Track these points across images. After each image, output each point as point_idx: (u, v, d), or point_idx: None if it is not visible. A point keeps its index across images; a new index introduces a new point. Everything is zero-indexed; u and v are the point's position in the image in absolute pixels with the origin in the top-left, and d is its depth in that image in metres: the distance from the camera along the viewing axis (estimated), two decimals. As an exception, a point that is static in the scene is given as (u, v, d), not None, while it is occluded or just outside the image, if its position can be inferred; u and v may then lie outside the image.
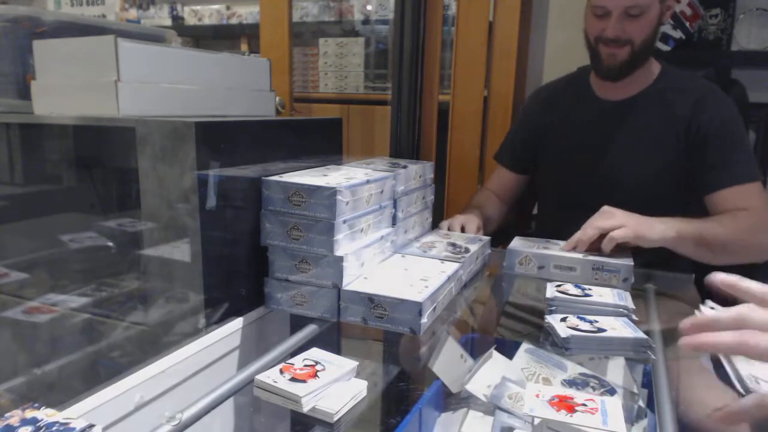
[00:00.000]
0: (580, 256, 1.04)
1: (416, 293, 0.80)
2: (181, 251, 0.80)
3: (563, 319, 0.84)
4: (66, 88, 0.88)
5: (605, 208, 1.08)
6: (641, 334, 0.79)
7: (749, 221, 1.12)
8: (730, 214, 1.14)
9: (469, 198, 1.55)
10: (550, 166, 1.42)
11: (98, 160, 0.96)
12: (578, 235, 1.06)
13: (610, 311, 0.88)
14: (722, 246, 1.09)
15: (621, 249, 1.05)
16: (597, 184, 1.30)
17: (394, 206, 1.00)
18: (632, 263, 1.01)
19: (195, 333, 0.80)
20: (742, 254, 1.12)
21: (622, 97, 1.30)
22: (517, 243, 1.12)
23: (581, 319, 0.84)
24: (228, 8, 3.35)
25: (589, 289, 0.95)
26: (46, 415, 0.52)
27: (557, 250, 1.08)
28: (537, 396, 0.69)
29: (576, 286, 0.96)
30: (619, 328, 0.81)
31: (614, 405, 0.67)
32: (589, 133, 1.33)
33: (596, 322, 0.83)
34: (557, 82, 1.48)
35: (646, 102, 1.28)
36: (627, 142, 1.28)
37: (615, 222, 1.04)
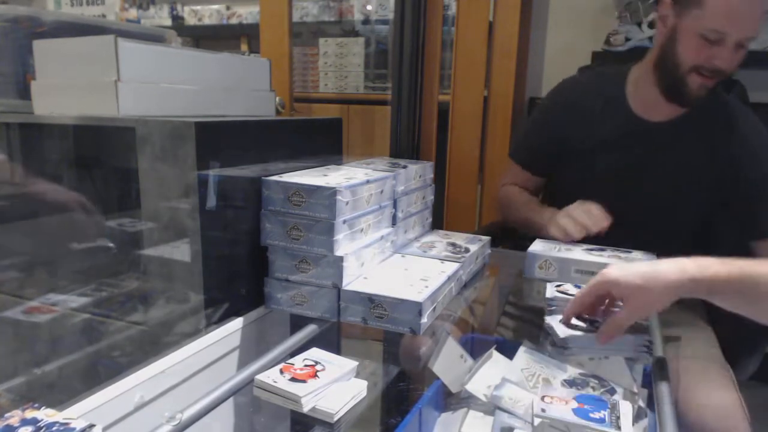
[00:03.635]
0: (602, 260, 1.01)
1: (416, 293, 0.80)
2: (181, 251, 0.80)
3: (563, 320, 0.83)
4: (66, 88, 0.88)
5: (605, 277, 0.78)
6: (641, 335, 0.79)
7: None
8: None
9: (500, 199, 1.44)
10: (571, 177, 1.33)
11: (98, 160, 0.96)
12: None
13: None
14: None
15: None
16: (623, 203, 1.20)
17: (394, 206, 1.00)
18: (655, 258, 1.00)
19: (195, 333, 0.80)
20: None
21: (661, 119, 1.21)
22: (537, 246, 1.09)
23: (581, 319, 0.84)
24: (228, 8, 3.35)
25: (589, 289, 0.94)
26: (46, 415, 0.52)
27: (578, 252, 1.06)
28: (542, 397, 0.69)
29: (576, 285, 0.96)
30: None
31: (623, 406, 0.67)
32: (620, 150, 1.24)
33: (596, 322, 0.83)
34: (584, 84, 1.34)
35: (685, 127, 1.19)
36: (661, 167, 1.21)
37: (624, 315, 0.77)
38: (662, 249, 1.09)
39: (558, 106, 1.36)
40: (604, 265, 1.00)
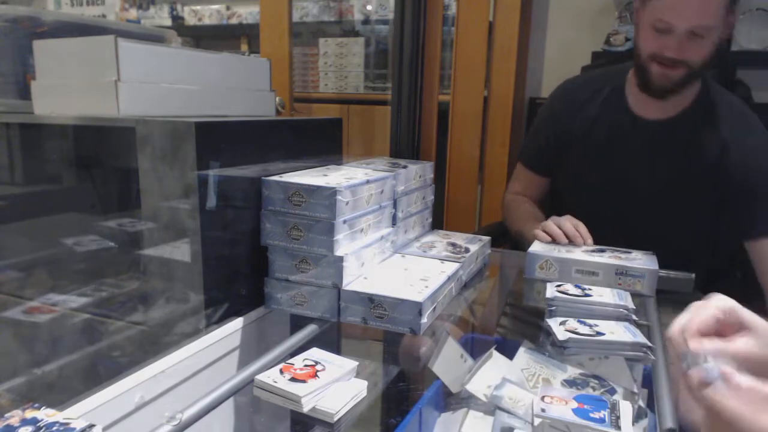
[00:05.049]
0: (602, 260, 1.01)
1: (416, 293, 0.80)
2: (181, 251, 0.80)
3: (563, 323, 0.83)
4: (66, 88, 0.88)
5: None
6: (641, 339, 0.78)
7: None
8: None
9: (503, 208, 1.46)
10: (571, 173, 1.35)
11: (98, 160, 0.96)
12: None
13: (610, 311, 0.88)
14: None
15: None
16: (619, 204, 1.25)
17: (394, 206, 1.00)
18: (657, 267, 1.00)
19: (195, 333, 0.80)
20: None
21: (659, 117, 1.22)
22: (537, 246, 1.09)
23: (581, 322, 0.83)
24: (228, 8, 3.35)
25: (589, 289, 0.95)
26: (46, 415, 0.52)
27: (579, 253, 1.06)
28: (542, 397, 0.69)
29: (576, 285, 0.96)
30: (618, 332, 0.81)
31: (623, 406, 0.67)
32: (617, 149, 1.26)
33: (596, 326, 0.82)
34: (587, 82, 1.36)
35: (684, 125, 1.20)
36: (660, 165, 1.22)
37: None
38: (661, 248, 1.10)
39: (559, 102, 1.37)
40: (606, 265, 1.01)
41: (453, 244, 1.09)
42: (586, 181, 1.32)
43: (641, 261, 1.02)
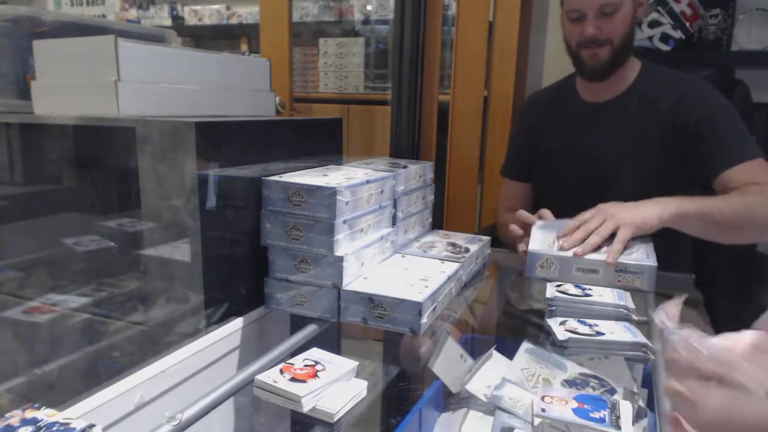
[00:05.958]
0: (602, 257, 1.01)
1: (416, 293, 0.80)
2: (181, 251, 0.80)
3: (563, 323, 0.83)
4: (66, 88, 0.88)
5: (599, 206, 1.07)
6: (641, 338, 0.78)
7: (759, 196, 1.09)
8: (739, 190, 1.12)
9: (499, 229, 1.50)
10: (542, 171, 1.43)
11: (98, 160, 0.96)
12: (582, 243, 1.03)
13: (610, 311, 0.88)
14: (729, 221, 1.07)
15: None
16: (588, 186, 1.31)
17: (394, 206, 1.00)
18: (656, 264, 0.99)
19: (195, 333, 0.80)
20: (753, 231, 1.10)
21: (605, 99, 1.32)
22: (537, 245, 1.08)
23: (581, 322, 0.83)
24: (228, 8, 3.34)
25: (589, 289, 0.95)
26: (46, 415, 0.52)
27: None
28: (542, 397, 0.69)
29: (576, 285, 0.96)
30: (618, 332, 0.81)
31: (623, 406, 0.67)
32: (576, 136, 1.35)
33: (596, 326, 0.82)
34: (546, 89, 1.50)
35: (628, 101, 1.29)
36: (613, 143, 1.30)
37: (611, 225, 1.03)
38: None
39: (526, 111, 1.52)
40: (605, 263, 1.01)
41: (453, 244, 1.09)
42: (559, 174, 1.38)
43: (639, 257, 1.02)
